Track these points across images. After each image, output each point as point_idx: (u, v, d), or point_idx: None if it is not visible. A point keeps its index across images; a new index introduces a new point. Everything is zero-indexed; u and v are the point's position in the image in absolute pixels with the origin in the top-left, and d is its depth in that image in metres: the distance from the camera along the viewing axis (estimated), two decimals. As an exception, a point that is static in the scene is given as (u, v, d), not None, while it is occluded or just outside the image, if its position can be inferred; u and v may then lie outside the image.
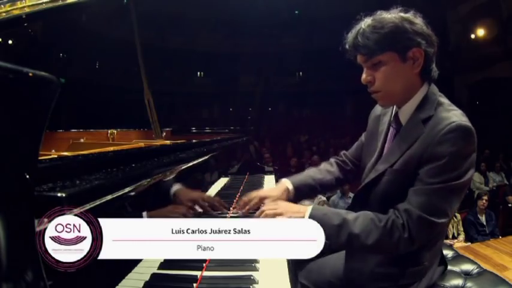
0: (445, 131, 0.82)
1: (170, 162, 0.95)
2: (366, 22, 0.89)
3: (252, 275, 0.70)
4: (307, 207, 0.93)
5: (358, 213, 0.89)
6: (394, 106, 0.98)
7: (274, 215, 0.93)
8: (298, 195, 1.12)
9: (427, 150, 0.84)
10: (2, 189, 0.39)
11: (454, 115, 0.85)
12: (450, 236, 3.68)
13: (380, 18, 0.88)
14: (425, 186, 0.83)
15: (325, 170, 1.19)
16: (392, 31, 0.86)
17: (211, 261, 0.75)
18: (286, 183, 1.11)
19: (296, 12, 9.40)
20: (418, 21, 0.88)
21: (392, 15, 0.88)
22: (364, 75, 0.93)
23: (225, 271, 0.73)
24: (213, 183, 1.49)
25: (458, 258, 1.12)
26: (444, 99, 0.92)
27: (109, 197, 0.57)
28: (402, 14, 0.88)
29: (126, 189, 0.64)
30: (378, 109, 1.09)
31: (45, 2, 1.16)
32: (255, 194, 1.07)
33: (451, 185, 0.82)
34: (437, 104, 0.89)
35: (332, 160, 1.23)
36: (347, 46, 0.92)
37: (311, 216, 0.90)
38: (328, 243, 0.78)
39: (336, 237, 0.87)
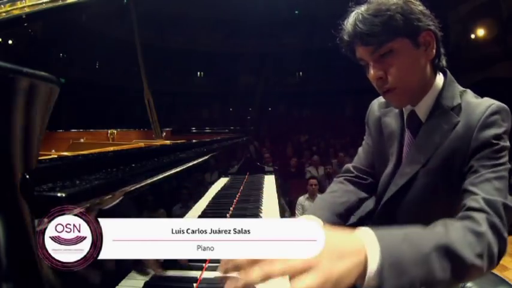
0: (487, 113, 0.74)
1: (170, 162, 0.95)
2: (362, 8, 0.75)
3: (252, 275, 0.70)
4: (365, 249, 0.49)
5: (438, 224, 0.59)
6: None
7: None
8: None
9: (472, 138, 0.73)
10: (2, 189, 0.39)
11: (486, 100, 0.78)
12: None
13: (379, 2, 0.74)
14: (486, 175, 0.70)
15: (342, 190, 0.92)
16: (399, 12, 0.72)
17: (212, 261, 0.75)
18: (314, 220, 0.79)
19: (296, 12, 9.42)
20: (419, 2, 0.77)
21: None
22: (372, 71, 0.76)
23: (225, 271, 0.73)
24: (213, 183, 1.49)
25: (458, 258, 1.11)
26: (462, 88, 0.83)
27: (109, 197, 0.57)
28: None
29: (126, 189, 0.64)
30: (374, 110, 0.95)
31: (45, 2, 1.17)
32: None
33: (505, 169, 0.72)
34: (462, 91, 0.81)
35: (341, 179, 0.97)
36: (346, 37, 0.77)
37: (385, 261, 0.48)
38: None
39: (438, 271, 0.52)
